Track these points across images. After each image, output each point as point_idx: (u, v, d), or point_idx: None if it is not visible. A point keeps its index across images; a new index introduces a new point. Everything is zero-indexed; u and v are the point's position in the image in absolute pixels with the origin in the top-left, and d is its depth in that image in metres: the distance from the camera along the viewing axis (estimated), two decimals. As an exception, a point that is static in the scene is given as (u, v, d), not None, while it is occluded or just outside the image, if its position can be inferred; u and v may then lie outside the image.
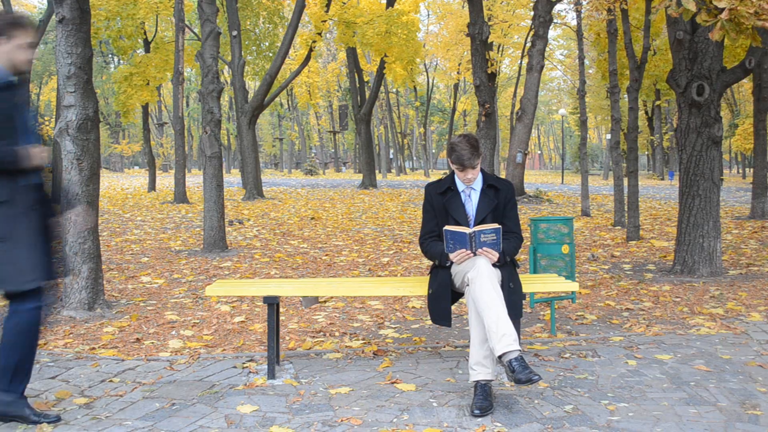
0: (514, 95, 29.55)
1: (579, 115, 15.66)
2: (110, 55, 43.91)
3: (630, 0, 11.21)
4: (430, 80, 46.71)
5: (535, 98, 16.71)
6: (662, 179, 41.80)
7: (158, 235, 10.90)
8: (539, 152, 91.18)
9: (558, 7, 26.45)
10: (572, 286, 4.00)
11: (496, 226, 3.47)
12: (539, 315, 5.39)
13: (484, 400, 3.22)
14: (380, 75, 25.47)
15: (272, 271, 7.50)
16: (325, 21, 21.67)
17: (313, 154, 57.89)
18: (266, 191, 21.95)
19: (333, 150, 61.99)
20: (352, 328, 5.06)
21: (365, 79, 29.89)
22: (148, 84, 21.30)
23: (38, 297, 3.08)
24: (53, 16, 5.57)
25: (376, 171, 34.33)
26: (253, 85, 32.49)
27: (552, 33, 34.74)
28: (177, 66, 17.52)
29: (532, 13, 17.51)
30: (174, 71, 18.25)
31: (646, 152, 53.50)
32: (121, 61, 30.90)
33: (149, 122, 25.06)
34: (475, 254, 3.45)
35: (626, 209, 10.58)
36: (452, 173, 3.72)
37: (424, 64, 42.83)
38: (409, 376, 3.79)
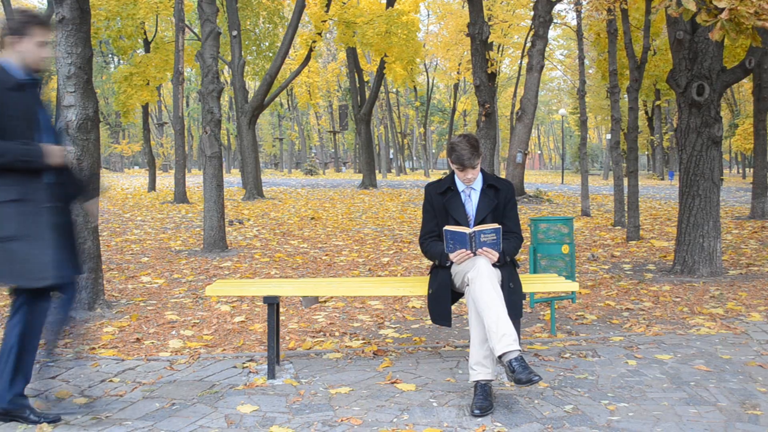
0: (514, 95, 29.56)
1: (579, 115, 15.66)
2: (110, 55, 43.91)
3: (630, 0, 11.21)
4: (430, 80, 46.71)
5: (535, 98, 16.71)
6: (662, 179, 41.80)
7: (158, 235, 10.90)
8: (539, 152, 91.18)
9: (558, 7, 26.45)
10: (572, 286, 4.00)
11: (496, 226, 3.47)
12: (539, 315, 5.39)
13: (484, 400, 3.22)
14: (380, 75, 25.47)
15: (272, 271, 7.50)
16: (325, 21, 21.67)
17: (313, 154, 57.90)
18: (266, 191, 21.95)
19: (333, 150, 61.99)
20: (352, 328, 5.06)
21: (365, 79, 29.90)
22: (148, 84, 21.30)
23: (49, 295, 3.13)
24: (53, 16, 5.57)
25: (376, 171, 34.33)
26: (253, 85, 32.48)
27: (552, 33, 34.78)
28: (177, 66, 17.52)
29: (532, 13, 17.51)
30: (174, 71, 18.25)
31: (646, 152, 53.50)
32: (121, 61, 30.90)
33: (149, 122, 25.06)
34: (475, 254, 3.45)
35: (626, 209, 10.58)
36: (452, 173, 3.72)
37: (424, 64, 42.83)
38: (409, 376, 3.79)
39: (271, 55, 22.89)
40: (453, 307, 3.75)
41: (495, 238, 3.45)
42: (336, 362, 4.09)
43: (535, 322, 5.13)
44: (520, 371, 3.08)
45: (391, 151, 52.29)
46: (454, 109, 44.18)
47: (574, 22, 19.41)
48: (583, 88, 14.65)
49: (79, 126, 5.30)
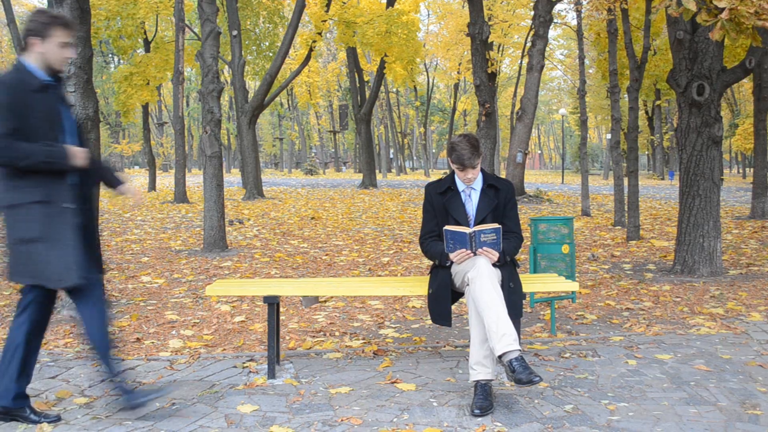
0: (514, 95, 29.55)
1: (579, 114, 15.66)
2: (110, 55, 43.90)
3: (630, 0, 11.21)
4: (430, 80, 46.71)
5: (535, 98, 16.71)
6: (662, 179, 41.80)
7: (158, 234, 10.90)
8: (539, 152, 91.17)
9: (558, 6, 26.45)
10: (572, 286, 4.00)
11: (496, 225, 3.47)
12: (539, 315, 5.39)
13: (484, 399, 3.22)
14: (380, 75, 25.47)
15: (272, 270, 7.50)
16: (325, 21, 21.67)
17: (313, 154, 57.90)
18: (266, 191, 21.95)
19: (333, 150, 61.99)
20: (352, 328, 5.06)
21: (365, 79, 29.90)
22: (148, 84, 21.30)
23: (56, 297, 3.18)
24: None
25: (376, 171, 34.32)
26: (253, 84, 32.48)
27: (552, 33, 34.77)
28: (177, 66, 17.51)
29: (533, 12, 17.51)
30: (174, 71, 18.24)
31: (647, 152, 53.50)
32: (121, 61, 30.91)
33: (149, 122, 25.07)
34: (475, 254, 3.45)
35: (626, 209, 10.57)
36: (452, 173, 3.72)
37: (424, 64, 42.83)
38: (409, 375, 3.79)
39: (271, 54, 22.88)
40: (453, 307, 3.75)
41: (495, 237, 3.45)
42: (336, 362, 4.09)
43: (535, 322, 5.13)
44: (520, 371, 3.08)
45: (391, 150, 52.29)
46: (454, 109, 44.18)
47: (574, 22, 19.41)
48: (584, 87, 14.64)
49: (79, 126, 5.30)
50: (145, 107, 23.69)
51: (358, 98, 26.24)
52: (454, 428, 3.04)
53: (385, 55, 23.31)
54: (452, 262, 3.56)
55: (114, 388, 3.16)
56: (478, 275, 3.32)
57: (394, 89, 47.79)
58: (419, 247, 3.92)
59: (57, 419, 3.13)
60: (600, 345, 4.40)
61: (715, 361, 3.98)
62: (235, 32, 17.88)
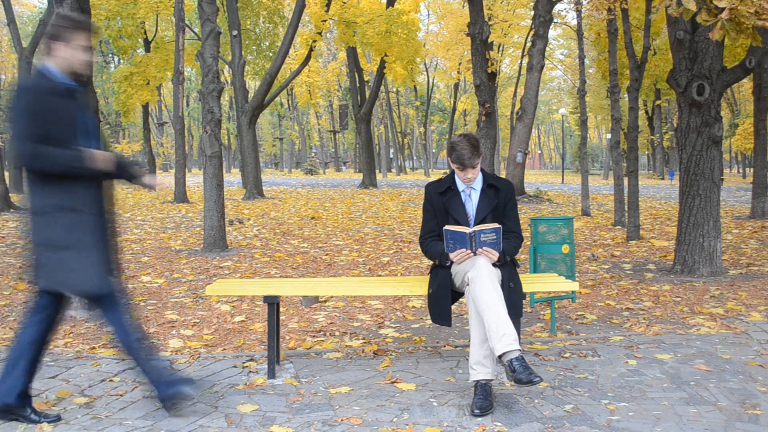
0: (515, 95, 29.55)
1: (579, 114, 15.66)
2: (110, 55, 43.91)
3: (630, 0, 11.21)
4: (431, 80, 46.71)
5: (535, 98, 16.71)
6: (662, 179, 41.80)
7: (158, 234, 10.90)
8: (539, 152, 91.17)
9: (558, 6, 26.46)
10: (572, 286, 4.00)
11: (496, 225, 3.47)
12: (539, 315, 5.39)
13: (484, 399, 3.22)
14: (380, 74, 25.48)
15: (272, 270, 7.50)
16: (325, 21, 21.67)
17: (313, 154, 57.91)
18: (266, 191, 21.95)
19: (333, 150, 61.99)
20: (352, 328, 5.06)
21: (365, 79, 29.91)
22: (148, 83, 21.33)
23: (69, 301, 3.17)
24: (53, 16, 5.56)
25: (377, 170, 34.33)
26: (253, 84, 32.49)
27: (552, 33, 34.77)
28: (177, 65, 17.51)
29: (533, 12, 17.51)
30: (174, 71, 18.24)
31: (647, 152, 53.50)
32: (122, 61, 30.91)
33: (149, 122, 25.07)
34: (475, 254, 3.45)
35: (626, 209, 10.58)
36: (452, 173, 3.72)
37: (425, 64, 42.84)
38: (409, 375, 3.79)
39: (271, 54, 22.90)
40: (453, 307, 3.75)
41: (495, 237, 3.45)
42: (336, 362, 4.09)
43: (535, 322, 5.13)
44: (520, 371, 3.08)
45: (392, 150, 52.29)
46: (454, 109, 44.17)
47: (575, 22, 19.41)
48: (584, 87, 14.64)
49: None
50: (145, 107, 23.71)
51: (358, 98, 26.24)
52: (454, 428, 3.04)
53: (385, 55, 23.32)
54: (452, 262, 3.56)
55: (149, 387, 3.18)
56: (478, 275, 3.32)
57: (394, 89, 47.81)
58: (419, 247, 3.92)
59: (57, 419, 3.13)
60: (600, 345, 4.40)
61: (715, 361, 3.98)
62: (235, 32, 17.89)
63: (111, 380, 3.76)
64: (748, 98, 33.85)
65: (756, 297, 5.82)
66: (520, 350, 3.17)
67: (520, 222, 3.82)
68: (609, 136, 29.67)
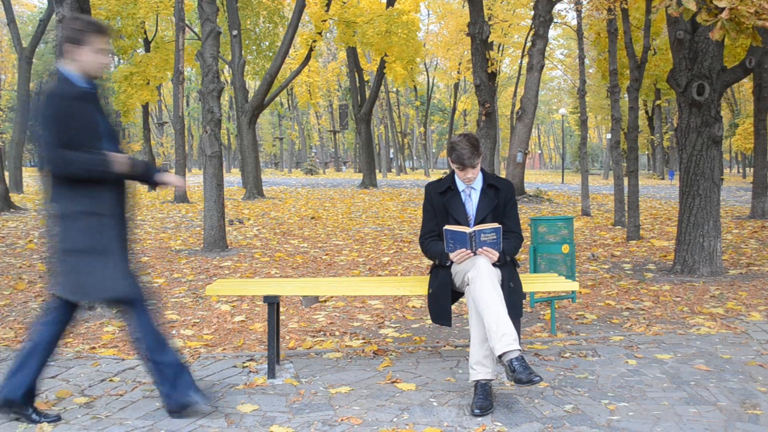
0: (515, 95, 29.55)
1: (579, 114, 15.66)
2: (110, 55, 43.91)
3: (630, 0, 11.21)
4: (431, 80, 46.72)
5: (535, 98, 16.71)
6: (662, 179, 41.80)
7: (158, 234, 10.90)
8: (539, 152, 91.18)
9: (558, 6, 26.44)
10: (572, 286, 4.00)
11: (496, 225, 3.47)
12: (539, 314, 5.39)
13: (484, 399, 3.22)
14: (380, 74, 25.47)
15: (272, 270, 7.50)
16: (325, 20, 21.67)
17: (313, 154, 57.91)
18: (266, 191, 21.95)
19: (333, 149, 62.00)
20: (352, 328, 5.06)
21: (365, 79, 29.91)
22: (148, 83, 21.33)
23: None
24: (53, 16, 5.58)
25: (377, 170, 34.33)
26: (253, 84, 32.49)
27: (552, 32, 34.76)
28: (177, 65, 17.51)
29: (533, 12, 17.51)
30: (174, 71, 18.24)
31: (647, 152, 53.50)
32: (122, 61, 30.90)
33: (149, 122, 25.07)
34: (475, 254, 3.45)
35: (626, 209, 10.57)
36: (452, 173, 3.72)
37: (425, 64, 42.84)
38: (409, 375, 3.79)
39: (271, 54, 22.90)
40: (453, 307, 3.75)
41: (495, 237, 3.44)
42: (336, 362, 4.09)
43: (535, 322, 5.13)
44: (520, 371, 3.08)
45: (392, 150, 52.29)
46: (454, 109, 44.18)
47: (575, 22, 19.41)
48: (584, 87, 14.64)
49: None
50: (145, 107, 23.70)
51: (358, 98, 26.24)
52: (454, 428, 3.04)
53: (385, 55, 23.32)
54: (452, 262, 3.56)
55: (165, 393, 3.16)
56: (478, 275, 3.32)
57: (394, 89, 47.81)
58: (419, 247, 3.91)
59: (57, 419, 3.13)
60: (600, 345, 4.40)
61: (715, 360, 3.98)
62: (235, 32, 17.89)
63: (111, 380, 3.76)
64: (748, 98, 33.86)
65: (756, 297, 5.82)
66: (520, 350, 3.17)
67: (520, 222, 3.82)
68: (609, 136, 29.67)
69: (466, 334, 4.61)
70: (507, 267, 3.55)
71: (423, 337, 4.71)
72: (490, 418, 3.14)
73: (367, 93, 27.19)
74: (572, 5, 17.65)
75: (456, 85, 42.68)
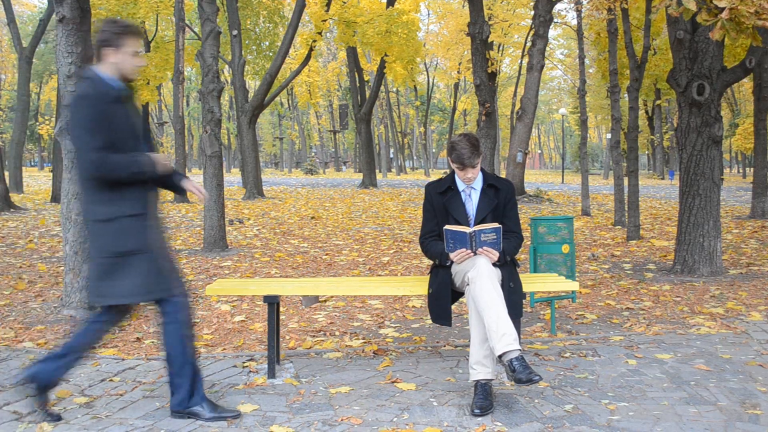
0: (515, 95, 29.55)
1: (579, 114, 15.66)
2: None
3: (630, 0, 11.20)
4: (431, 79, 46.72)
5: (535, 98, 16.71)
6: (662, 179, 41.80)
7: (158, 234, 10.89)
8: (539, 152, 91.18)
9: (558, 6, 26.44)
10: (572, 286, 4.00)
11: (496, 225, 3.47)
12: (539, 314, 5.39)
13: (484, 399, 3.22)
14: (380, 74, 25.48)
15: (272, 270, 7.50)
16: (325, 20, 21.67)
17: (313, 154, 57.91)
18: (266, 190, 21.95)
19: (333, 149, 62.00)
20: (352, 328, 5.06)
21: (365, 79, 29.91)
22: (148, 83, 21.30)
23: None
24: (53, 16, 5.58)
25: (377, 170, 34.33)
26: (253, 84, 32.48)
27: (552, 32, 34.73)
28: (177, 65, 17.51)
29: (533, 12, 17.51)
30: (174, 70, 18.25)
31: (647, 152, 53.50)
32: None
33: (149, 121, 25.07)
34: (475, 254, 3.45)
35: (626, 209, 10.58)
36: (452, 172, 3.72)
37: (425, 64, 42.84)
38: (410, 375, 3.79)
39: (271, 54, 22.89)
40: (453, 307, 3.75)
41: (495, 237, 3.44)
42: (336, 362, 4.09)
43: (535, 322, 5.13)
44: (520, 371, 3.08)
45: (392, 150, 52.30)
46: (454, 109, 44.19)
47: (575, 22, 19.41)
48: (584, 87, 14.65)
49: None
50: (145, 107, 23.68)
51: (358, 98, 26.24)
52: (454, 428, 3.04)
53: (386, 55, 23.32)
54: (452, 262, 3.56)
55: (180, 395, 3.15)
56: (478, 275, 3.32)
57: (394, 89, 47.81)
58: (419, 247, 3.91)
59: (57, 418, 3.13)
60: (600, 345, 4.40)
61: (715, 360, 3.98)
62: (235, 32, 17.89)
63: (111, 380, 3.75)
64: (748, 98, 33.85)
65: (756, 297, 5.82)
66: (520, 350, 3.17)
67: (520, 222, 3.82)
68: (609, 136, 29.67)
69: (466, 334, 4.61)
70: (507, 267, 3.55)
71: (423, 337, 4.71)
72: (490, 418, 3.14)
73: (367, 93, 27.19)
74: (572, 5, 17.65)
75: (456, 85, 42.68)
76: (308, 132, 61.85)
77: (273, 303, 3.80)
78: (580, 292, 6.07)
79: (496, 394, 3.41)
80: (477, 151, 3.54)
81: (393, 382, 3.66)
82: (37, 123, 45.03)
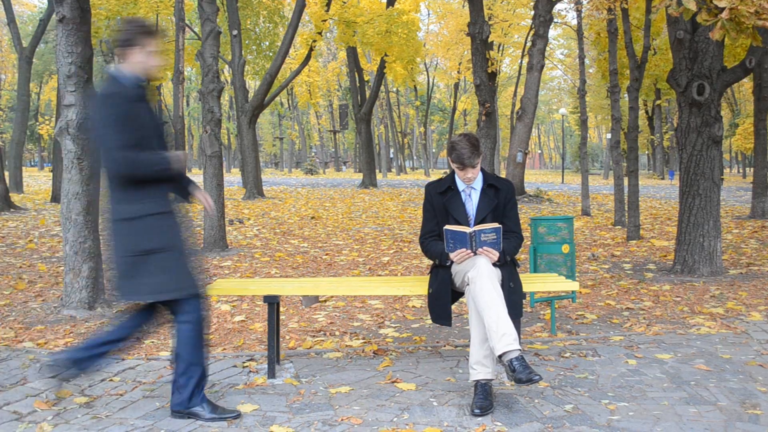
0: (515, 95, 29.55)
1: (579, 114, 15.66)
2: (110, 55, 43.90)
3: (630, 0, 11.20)
4: (431, 79, 46.71)
5: (535, 97, 16.71)
6: (662, 179, 41.80)
7: (158, 234, 10.89)
8: (539, 152, 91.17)
9: (558, 6, 26.43)
10: (572, 286, 4.00)
11: (496, 225, 3.47)
12: (539, 314, 5.39)
13: (484, 399, 3.22)
14: (380, 74, 25.47)
15: (272, 270, 7.50)
16: (325, 20, 21.66)
17: (313, 154, 57.90)
18: (266, 190, 21.95)
19: (333, 149, 62.00)
20: (352, 328, 5.05)
21: (365, 79, 29.90)
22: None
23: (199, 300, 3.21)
24: (53, 16, 5.57)
25: (377, 170, 34.33)
26: (253, 84, 32.48)
27: (552, 32, 34.72)
28: (177, 65, 17.52)
29: (533, 12, 17.50)
30: (174, 70, 18.25)
31: (647, 152, 53.50)
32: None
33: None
34: (475, 254, 3.45)
35: (626, 209, 10.58)
36: (452, 172, 3.72)
37: (425, 64, 42.83)
38: (410, 375, 3.79)
39: (271, 54, 22.89)
40: (453, 307, 3.75)
41: (495, 237, 3.44)
42: (336, 361, 4.09)
43: (535, 322, 5.13)
44: (520, 371, 3.08)
45: (392, 150, 52.29)
46: (454, 109, 44.19)
47: (575, 22, 19.41)
48: (584, 87, 14.64)
49: (79, 125, 5.31)
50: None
51: (358, 98, 26.24)
52: (454, 428, 3.04)
53: (386, 55, 23.32)
54: (452, 262, 3.56)
55: (185, 393, 3.16)
56: (479, 275, 3.32)
57: (394, 89, 47.80)
58: (419, 247, 3.91)
59: (238, 415, 3.18)
60: (600, 345, 4.40)
61: (715, 360, 3.98)
62: (235, 32, 17.88)
63: (111, 380, 3.76)
64: (748, 98, 33.86)
65: (756, 297, 5.82)
66: (520, 350, 3.17)
67: (520, 222, 3.82)
68: (609, 136, 29.68)
69: (466, 334, 4.61)
70: (507, 267, 3.55)
71: (423, 337, 4.71)
72: (490, 418, 3.14)
73: (367, 93, 27.19)
74: (572, 5, 17.65)
75: (456, 85, 42.68)
76: (308, 132, 61.86)
77: (273, 303, 3.80)
78: (580, 292, 6.07)
79: (496, 394, 3.41)
80: (477, 151, 3.54)
81: (393, 382, 3.66)
82: (37, 123, 45.05)
